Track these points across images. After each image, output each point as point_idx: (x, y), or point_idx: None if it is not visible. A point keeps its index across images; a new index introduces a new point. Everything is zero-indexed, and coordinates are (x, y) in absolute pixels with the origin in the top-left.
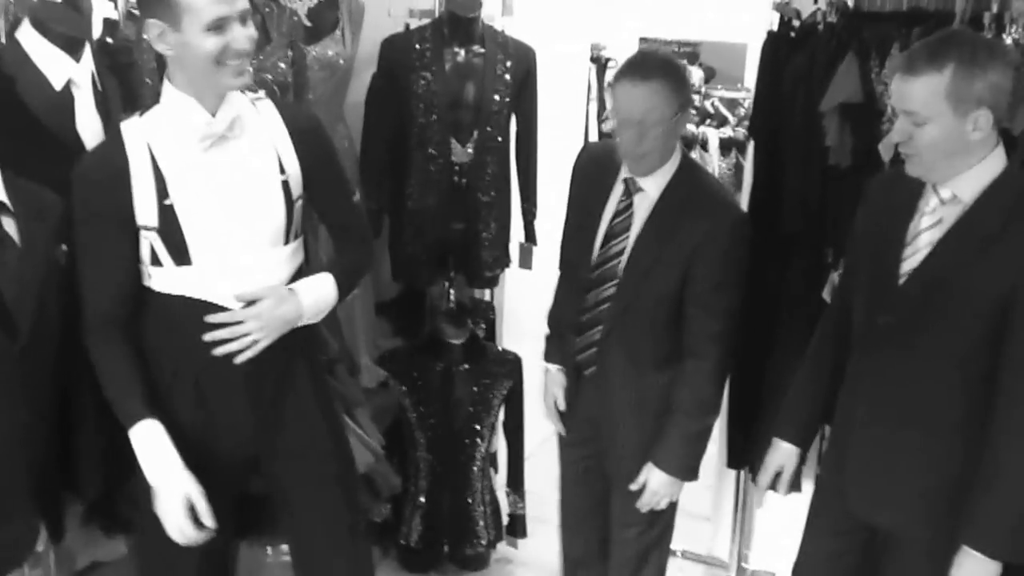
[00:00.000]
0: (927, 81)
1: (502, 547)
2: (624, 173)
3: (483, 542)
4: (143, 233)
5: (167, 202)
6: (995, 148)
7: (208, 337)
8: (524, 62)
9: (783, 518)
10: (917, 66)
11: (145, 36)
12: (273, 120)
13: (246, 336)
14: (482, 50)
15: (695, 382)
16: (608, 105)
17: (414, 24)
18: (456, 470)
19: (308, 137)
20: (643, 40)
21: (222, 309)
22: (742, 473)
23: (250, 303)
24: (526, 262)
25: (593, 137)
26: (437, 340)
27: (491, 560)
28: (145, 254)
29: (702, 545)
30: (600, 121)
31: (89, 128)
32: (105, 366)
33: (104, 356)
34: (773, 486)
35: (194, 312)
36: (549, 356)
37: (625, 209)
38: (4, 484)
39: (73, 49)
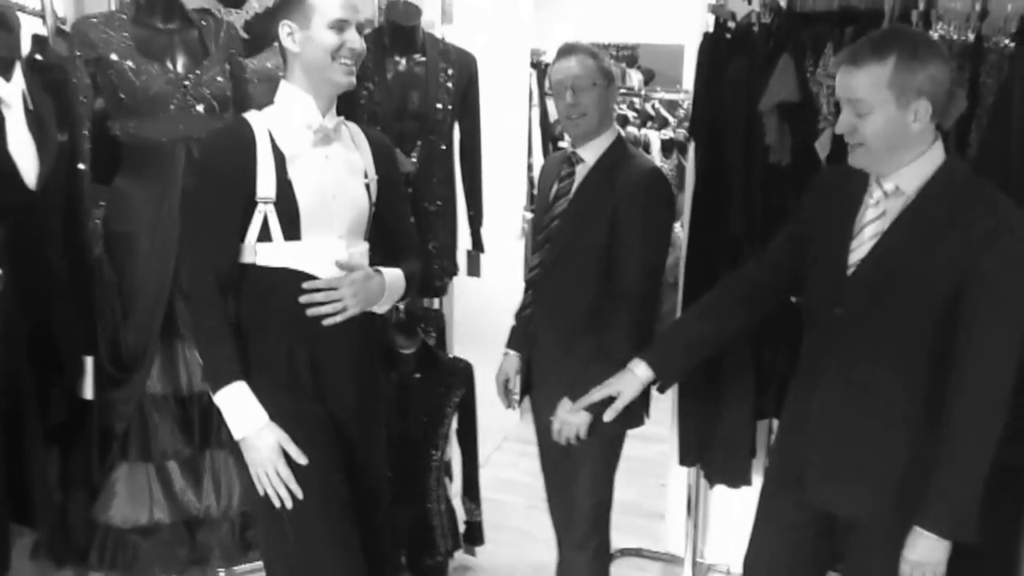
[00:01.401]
0: (870, 71)
1: (460, 555)
2: (570, 149)
3: (441, 551)
4: (260, 207)
5: (287, 178)
6: (934, 142)
7: (304, 299)
8: (466, 69)
9: (737, 512)
10: (861, 57)
11: (282, 38)
12: (359, 136)
13: (338, 302)
14: (423, 58)
15: (622, 320)
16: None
17: None
18: (412, 480)
19: (385, 154)
20: None
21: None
22: (694, 470)
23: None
24: (474, 270)
25: (537, 142)
26: (389, 350)
27: (450, 569)
28: (254, 230)
29: (657, 542)
30: (542, 127)
31: (21, 148)
32: (207, 327)
33: (208, 317)
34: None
35: (297, 283)
36: (509, 342)
37: (567, 176)
38: None
39: (2, 68)
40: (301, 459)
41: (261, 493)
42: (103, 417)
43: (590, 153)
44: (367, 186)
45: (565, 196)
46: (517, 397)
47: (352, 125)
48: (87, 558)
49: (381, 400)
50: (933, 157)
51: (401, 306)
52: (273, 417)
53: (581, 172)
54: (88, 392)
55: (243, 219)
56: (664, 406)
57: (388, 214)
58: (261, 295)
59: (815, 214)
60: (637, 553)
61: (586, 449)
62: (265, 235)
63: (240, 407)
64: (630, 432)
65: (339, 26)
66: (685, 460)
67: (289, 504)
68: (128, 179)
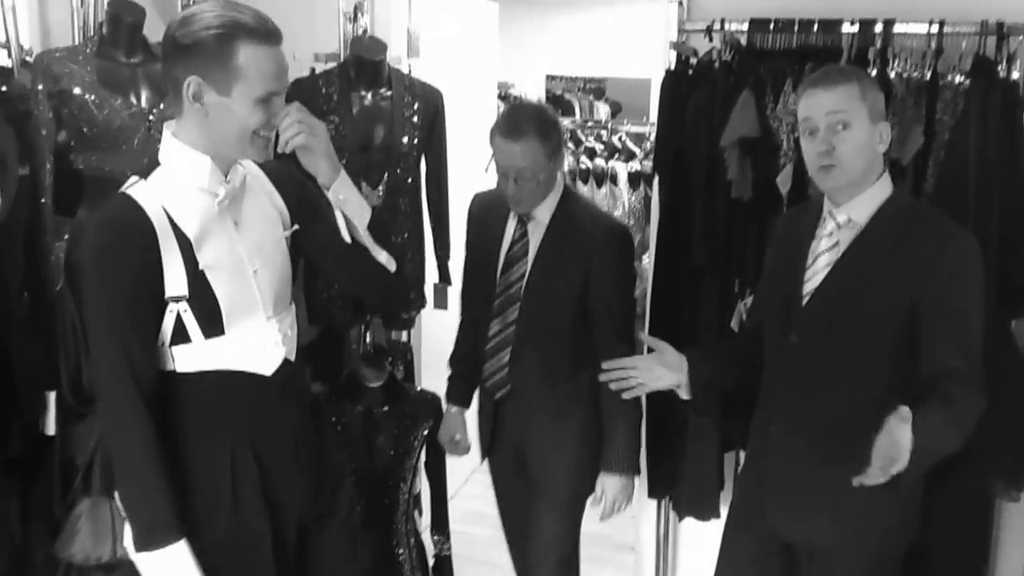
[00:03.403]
0: (845, 87)
1: None
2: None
3: None
4: (170, 306)
5: (200, 268)
6: (883, 172)
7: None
8: (431, 103)
9: (707, 544)
10: (833, 78)
11: (185, 90)
12: (258, 174)
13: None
14: (389, 93)
15: (610, 331)
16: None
17: (319, 68)
18: (380, 514)
19: (285, 179)
20: (550, 78)
21: (260, 378)
22: (663, 502)
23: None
24: (441, 302)
25: None
26: (356, 383)
27: None
28: (165, 333)
29: (627, 574)
30: None
31: None
32: (137, 480)
33: (137, 467)
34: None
35: (230, 384)
36: (451, 396)
37: (521, 237)
38: None
39: None
40: None
41: None
42: (65, 451)
43: (543, 211)
44: (286, 239)
45: (523, 259)
46: (469, 445)
47: (247, 164)
48: None
49: (323, 462)
50: (883, 187)
51: (368, 339)
52: (208, 550)
53: (536, 232)
54: (51, 427)
55: (154, 323)
56: None
57: (317, 237)
58: (189, 405)
59: (773, 259)
60: None
61: (556, 507)
62: (181, 337)
63: (179, 571)
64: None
65: (267, 99)
66: (654, 492)
67: None
68: (90, 212)
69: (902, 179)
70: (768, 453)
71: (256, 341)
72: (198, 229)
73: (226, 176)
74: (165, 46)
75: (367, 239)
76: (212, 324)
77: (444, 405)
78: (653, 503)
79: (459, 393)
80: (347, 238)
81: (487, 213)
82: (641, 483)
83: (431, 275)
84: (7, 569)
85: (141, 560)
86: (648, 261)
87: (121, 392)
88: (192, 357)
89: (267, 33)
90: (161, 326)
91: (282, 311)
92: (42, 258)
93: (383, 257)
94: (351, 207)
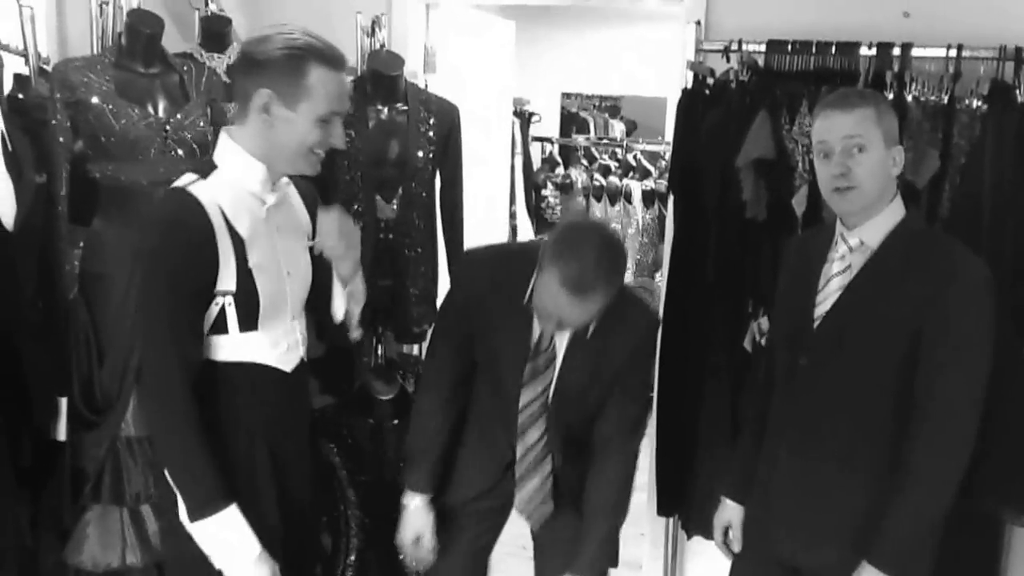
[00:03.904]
0: (862, 111)
1: None
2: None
3: None
4: (217, 299)
5: (248, 267)
6: (896, 196)
7: None
8: (447, 119)
9: (714, 564)
10: (850, 101)
11: (255, 101)
12: (291, 189)
13: None
14: (405, 108)
15: (620, 473)
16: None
17: None
18: (388, 527)
19: (311, 201)
20: (566, 95)
21: (280, 374)
22: (672, 520)
23: None
24: None
25: (520, 189)
26: (366, 396)
27: None
28: (207, 323)
29: None
30: (525, 175)
31: None
32: (184, 456)
33: (183, 445)
34: (725, 542)
35: (255, 376)
36: (414, 483)
37: (547, 347)
38: None
39: None
40: None
41: None
42: (75, 459)
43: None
44: (310, 249)
45: (548, 369)
46: (434, 546)
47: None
48: None
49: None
50: (895, 210)
51: (379, 352)
52: None
53: (562, 338)
54: (61, 434)
55: (203, 314)
56: (643, 453)
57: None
58: (215, 393)
59: (785, 282)
60: None
61: None
62: (219, 328)
63: (231, 537)
64: None
65: (328, 119)
66: (663, 510)
67: None
68: (106, 222)
69: (917, 203)
70: (777, 478)
71: (281, 339)
72: (249, 231)
73: (273, 186)
74: (241, 60)
75: (353, 319)
76: (249, 319)
77: (405, 496)
78: (662, 521)
79: (424, 478)
80: (339, 315)
81: (493, 295)
82: (650, 501)
83: (444, 289)
84: (16, 575)
85: (197, 529)
86: (661, 280)
87: (174, 378)
88: (226, 348)
89: (335, 59)
90: (205, 316)
91: (300, 315)
92: (56, 266)
93: (354, 328)
94: (356, 297)
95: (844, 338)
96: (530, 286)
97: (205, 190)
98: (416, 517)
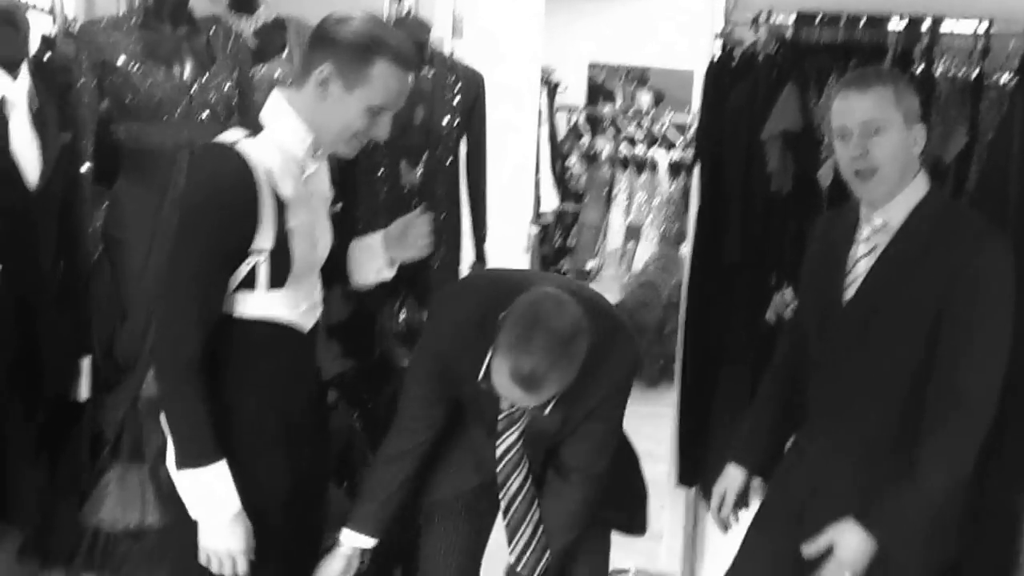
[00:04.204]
0: (879, 91)
1: None
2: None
3: None
4: (251, 257)
5: (286, 229)
6: (919, 172)
7: None
8: (473, 86)
9: (735, 535)
10: (868, 81)
11: (317, 72)
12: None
13: None
14: (431, 74)
15: (578, 497)
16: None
17: None
18: None
19: (335, 170)
20: (593, 65)
21: (298, 335)
22: (693, 491)
23: None
24: None
25: (545, 158)
26: (388, 362)
27: None
28: (237, 278)
29: (654, 563)
30: (551, 143)
31: (23, 148)
32: (184, 405)
33: (185, 396)
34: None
35: (274, 334)
36: (358, 523)
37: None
38: None
39: (8, 67)
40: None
41: (212, 567)
42: (95, 419)
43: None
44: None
45: (520, 420)
46: None
47: None
48: (74, 559)
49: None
50: (918, 188)
51: (401, 317)
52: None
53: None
54: (84, 393)
55: (231, 270)
56: (664, 424)
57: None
58: (232, 349)
59: (811, 263)
60: (633, 573)
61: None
62: (247, 284)
63: (212, 491)
64: None
65: (377, 112)
66: (683, 480)
67: None
68: (129, 183)
69: (944, 178)
70: (804, 459)
71: (303, 299)
72: (290, 193)
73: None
74: (317, 32)
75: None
76: (279, 278)
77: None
78: (682, 491)
79: (370, 521)
80: (364, 282)
81: (457, 358)
82: (670, 471)
83: (467, 255)
84: (36, 535)
85: (182, 477)
86: (686, 250)
87: (190, 330)
88: (250, 304)
89: (405, 58)
90: (235, 273)
91: (317, 278)
92: (79, 227)
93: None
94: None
95: (869, 320)
96: (485, 363)
97: (252, 149)
98: (338, 562)
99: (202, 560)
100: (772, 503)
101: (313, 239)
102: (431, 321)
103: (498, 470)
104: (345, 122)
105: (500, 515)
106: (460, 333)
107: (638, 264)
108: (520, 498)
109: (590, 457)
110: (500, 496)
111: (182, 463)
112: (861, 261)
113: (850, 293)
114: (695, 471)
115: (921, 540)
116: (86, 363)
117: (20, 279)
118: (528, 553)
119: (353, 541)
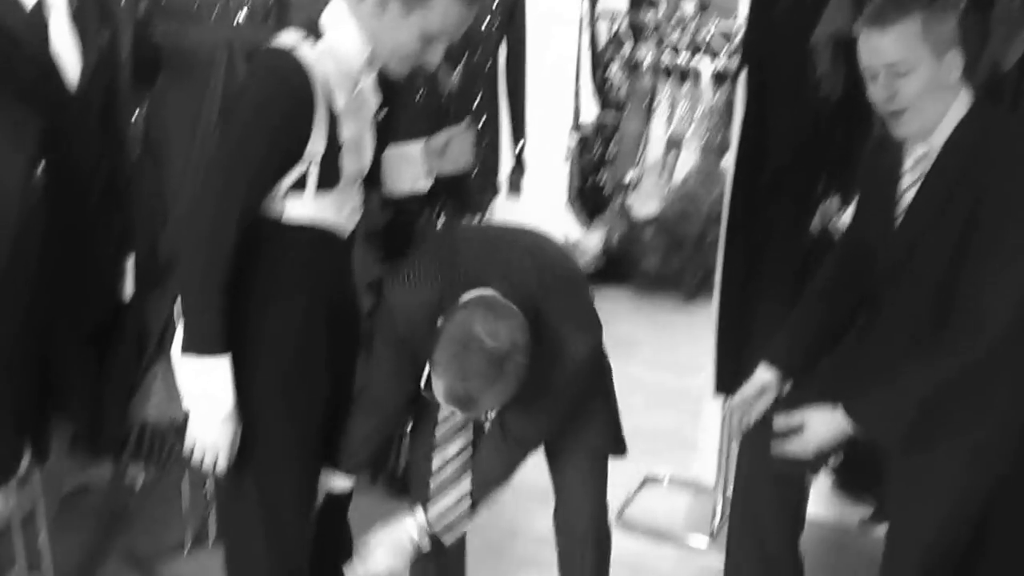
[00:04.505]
0: (902, 28)
1: None
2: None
3: None
4: (302, 162)
5: (338, 140)
6: (960, 92)
7: None
8: None
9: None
10: (887, 17)
11: None
12: None
13: None
14: None
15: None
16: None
17: None
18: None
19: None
20: None
21: (338, 240)
22: (729, 399)
23: None
24: (515, 189)
25: (586, 65)
26: None
27: None
28: (287, 182)
29: (688, 470)
30: (592, 50)
31: (63, 47)
32: (204, 295)
33: (207, 286)
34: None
35: (314, 238)
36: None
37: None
38: None
39: None
40: (223, 466)
41: (194, 457)
42: (141, 318)
43: None
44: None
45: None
46: None
47: None
48: (122, 452)
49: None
50: (959, 107)
51: (439, 223)
52: (268, 390)
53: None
54: (127, 292)
55: (280, 174)
56: (701, 336)
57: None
58: (280, 253)
59: (863, 189)
60: (667, 480)
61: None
62: (296, 188)
63: (210, 383)
64: (670, 361)
65: (430, 39)
66: (720, 388)
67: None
68: (168, 83)
69: (1002, 84)
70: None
71: (346, 203)
72: (344, 102)
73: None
74: None
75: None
76: (327, 183)
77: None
78: (717, 401)
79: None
80: (401, 189)
81: (421, 339)
82: (707, 379)
83: (506, 161)
84: (86, 428)
85: (184, 362)
86: (728, 162)
87: (229, 225)
88: (296, 207)
89: None
90: (284, 176)
91: (360, 184)
92: (119, 125)
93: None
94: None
95: (916, 247)
96: (426, 372)
97: (311, 56)
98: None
99: (186, 449)
100: (793, 396)
101: (360, 148)
102: (385, 306)
103: (438, 433)
104: (398, 43)
105: (431, 474)
106: (413, 319)
107: (679, 176)
108: (453, 463)
109: (530, 432)
110: (433, 454)
111: (188, 347)
112: (908, 192)
113: (898, 222)
114: (732, 381)
115: (905, 430)
116: (129, 262)
117: (63, 178)
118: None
119: (336, 482)
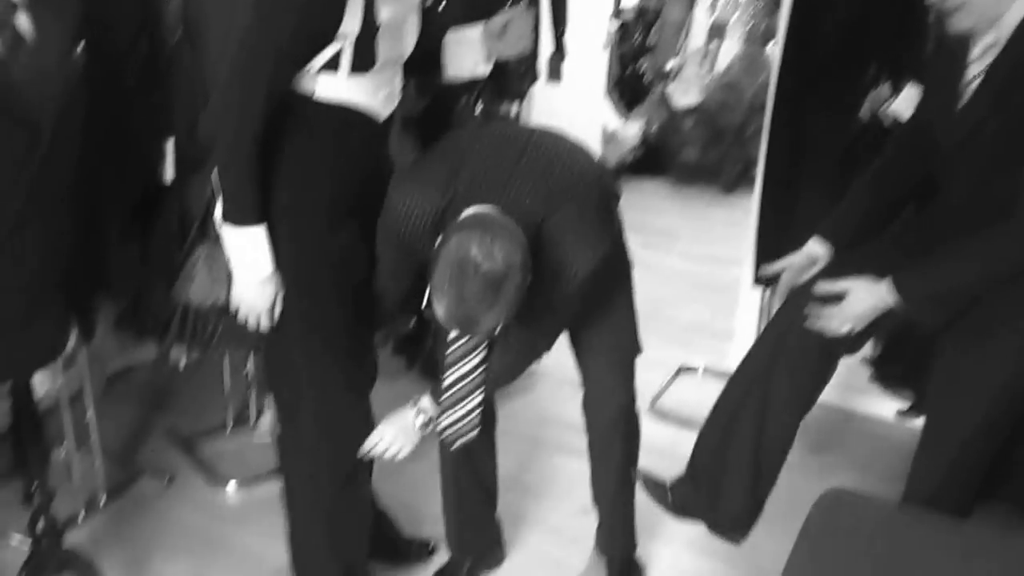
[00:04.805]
0: None
1: None
2: None
3: None
4: (337, 41)
5: (375, 19)
6: None
7: None
8: None
9: None
10: None
11: None
12: None
13: None
14: None
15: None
16: None
17: None
18: None
19: None
20: None
21: (373, 123)
22: (767, 291)
23: None
24: (555, 75)
25: None
26: None
27: None
28: (321, 60)
29: (723, 361)
30: None
31: None
32: (237, 170)
33: (239, 161)
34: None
35: (348, 120)
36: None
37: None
38: (35, 282)
39: None
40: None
41: (240, 316)
42: (182, 201)
43: None
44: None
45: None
46: None
47: None
48: (166, 332)
49: None
50: None
51: (478, 111)
52: (305, 257)
53: None
54: (168, 175)
55: (313, 51)
56: (739, 229)
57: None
58: (312, 131)
59: (927, 80)
60: (702, 371)
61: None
62: (330, 67)
63: (251, 250)
64: (707, 253)
65: None
66: (760, 279)
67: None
68: None
69: None
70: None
71: (383, 86)
72: None
73: None
74: None
75: None
76: (362, 65)
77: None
78: (755, 293)
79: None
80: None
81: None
82: (744, 271)
83: (546, 47)
84: (131, 309)
85: (226, 230)
86: (772, 50)
87: (258, 98)
88: (331, 87)
89: None
90: (318, 54)
91: (399, 69)
92: (158, 8)
93: None
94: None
95: (979, 137)
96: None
97: None
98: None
99: (232, 307)
100: (840, 265)
101: (401, 33)
102: (389, 203)
103: (447, 352)
104: None
105: (440, 390)
106: (414, 226)
107: (721, 64)
108: (465, 381)
109: (536, 341)
110: (444, 375)
111: (227, 217)
112: (974, 81)
113: (963, 101)
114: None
115: (948, 314)
116: (169, 145)
117: (102, 57)
118: (458, 426)
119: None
